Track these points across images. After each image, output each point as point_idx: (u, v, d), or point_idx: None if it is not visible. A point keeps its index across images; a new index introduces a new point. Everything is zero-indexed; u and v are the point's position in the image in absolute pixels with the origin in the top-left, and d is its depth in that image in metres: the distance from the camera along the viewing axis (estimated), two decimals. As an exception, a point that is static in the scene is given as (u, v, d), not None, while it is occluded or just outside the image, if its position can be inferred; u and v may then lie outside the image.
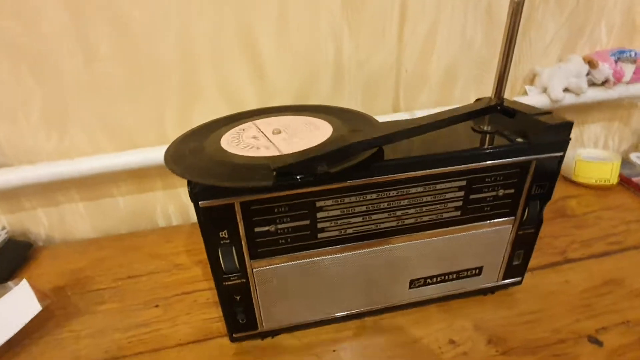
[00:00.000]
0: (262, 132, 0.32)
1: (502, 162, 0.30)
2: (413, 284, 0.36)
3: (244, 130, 0.34)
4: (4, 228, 0.53)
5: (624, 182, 0.61)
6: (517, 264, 0.38)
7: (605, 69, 0.61)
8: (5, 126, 0.47)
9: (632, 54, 0.64)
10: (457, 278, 0.37)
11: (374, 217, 0.31)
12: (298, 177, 0.24)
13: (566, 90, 0.62)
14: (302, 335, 0.36)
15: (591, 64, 0.62)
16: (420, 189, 0.30)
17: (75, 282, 0.46)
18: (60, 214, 0.55)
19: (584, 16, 0.62)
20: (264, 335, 0.36)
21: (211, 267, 0.30)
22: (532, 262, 0.45)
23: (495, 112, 0.32)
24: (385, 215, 0.31)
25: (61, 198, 0.54)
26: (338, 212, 0.30)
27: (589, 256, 0.46)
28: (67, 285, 0.46)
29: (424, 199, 0.31)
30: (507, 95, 0.65)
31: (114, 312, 0.41)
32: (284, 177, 0.24)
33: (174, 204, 0.59)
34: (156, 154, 0.50)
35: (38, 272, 0.48)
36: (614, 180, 0.60)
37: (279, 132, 0.32)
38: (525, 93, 0.65)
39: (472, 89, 0.63)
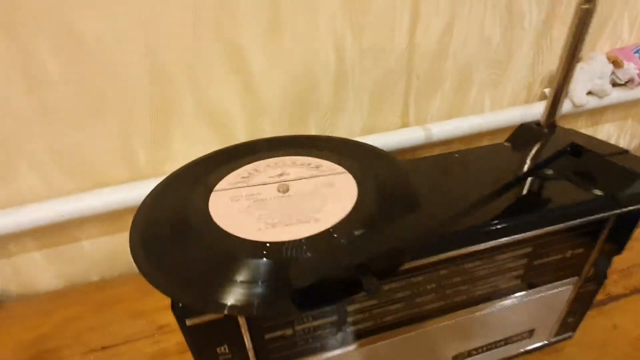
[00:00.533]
0: (263, 187, 0.25)
1: (576, 223, 0.24)
2: (456, 358, 0.29)
3: (237, 183, 0.25)
4: (-58, 289, 0.43)
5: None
6: (571, 321, 0.32)
7: (631, 68, 0.56)
8: None
9: (656, 49, 0.58)
10: (505, 344, 0.31)
11: (418, 300, 0.24)
12: (330, 303, 0.16)
13: (589, 93, 0.56)
14: None
15: (616, 63, 0.56)
16: (477, 263, 0.23)
17: (37, 356, 0.38)
18: (15, 266, 0.45)
19: (609, 7, 0.56)
20: None
21: (208, 382, 0.22)
22: (574, 302, 0.40)
23: (566, 154, 0.25)
24: (432, 295, 0.24)
25: (13, 248, 0.44)
26: (374, 302, 0.23)
27: (632, 290, 0.41)
28: (26, 363, 0.37)
29: (481, 273, 0.24)
30: (524, 99, 0.60)
31: (86, 402, 0.33)
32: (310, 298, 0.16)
33: (154, 242, 0.50)
34: (126, 194, 0.41)
35: (-10, 345, 0.40)
36: None
37: (287, 190, 0.25)
38: (544, 97, 0.59)
39: (487, 95, 0.56)
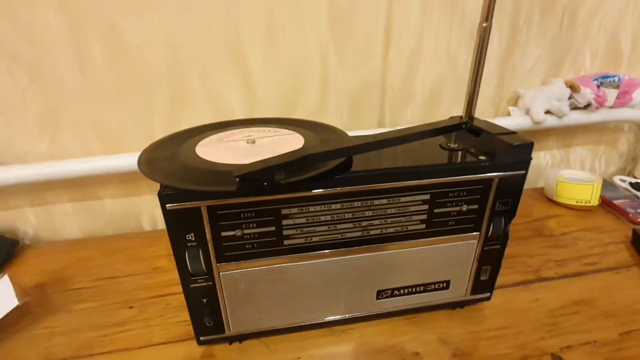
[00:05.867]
0: (235, 142, 0.34)
1: (465, 178, 0.31)
2: (380, 294, 0.36)
3: (221, 138, 0.35)
4: (-8, 225, 0.54)
5: (605, 204, 0.62)
6: (484, 280, 0.38)
7: (587, 93, 0.63)
8: (0, 127, 0.49)
9: (615, 79, 0.65)
10: (425, 291, 0.37)
11: (339, 226, 0.32)
12: (258, 183, 0.25)
13: (548, 112, 0.63)
14: (269, 341, 0.37)
15: (573, 88, 0.63)
16: (384, 201, 0.31)
17: (56, 280, 0.47)
18: (49, 214, 0.56)
19: (568, 41, 0.64)
20: (231, 340, 0.36)
21: (178, 269, 0.31)
22: (505, 279, 0.46)
23: (461, 129, 0.33)
24: (351, 225, 0.32)
25: (50, 198, 0.55)
26: (303, 220, 0.31)
27: (562, 276, 0.47)
28: (47, 283, 0.47)
29: (389, 211, 0.32)
30: (492, 115, 0.68)
31: (90, 311, 0.42)
32: (244, 183, 0.25)
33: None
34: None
35: (21, 270, 0.49)
36: (595, 201, 0.60)
37: (254, 142, 0.34)
38: (508, 114, 0.66)
39: (456, 107, 0.65)
